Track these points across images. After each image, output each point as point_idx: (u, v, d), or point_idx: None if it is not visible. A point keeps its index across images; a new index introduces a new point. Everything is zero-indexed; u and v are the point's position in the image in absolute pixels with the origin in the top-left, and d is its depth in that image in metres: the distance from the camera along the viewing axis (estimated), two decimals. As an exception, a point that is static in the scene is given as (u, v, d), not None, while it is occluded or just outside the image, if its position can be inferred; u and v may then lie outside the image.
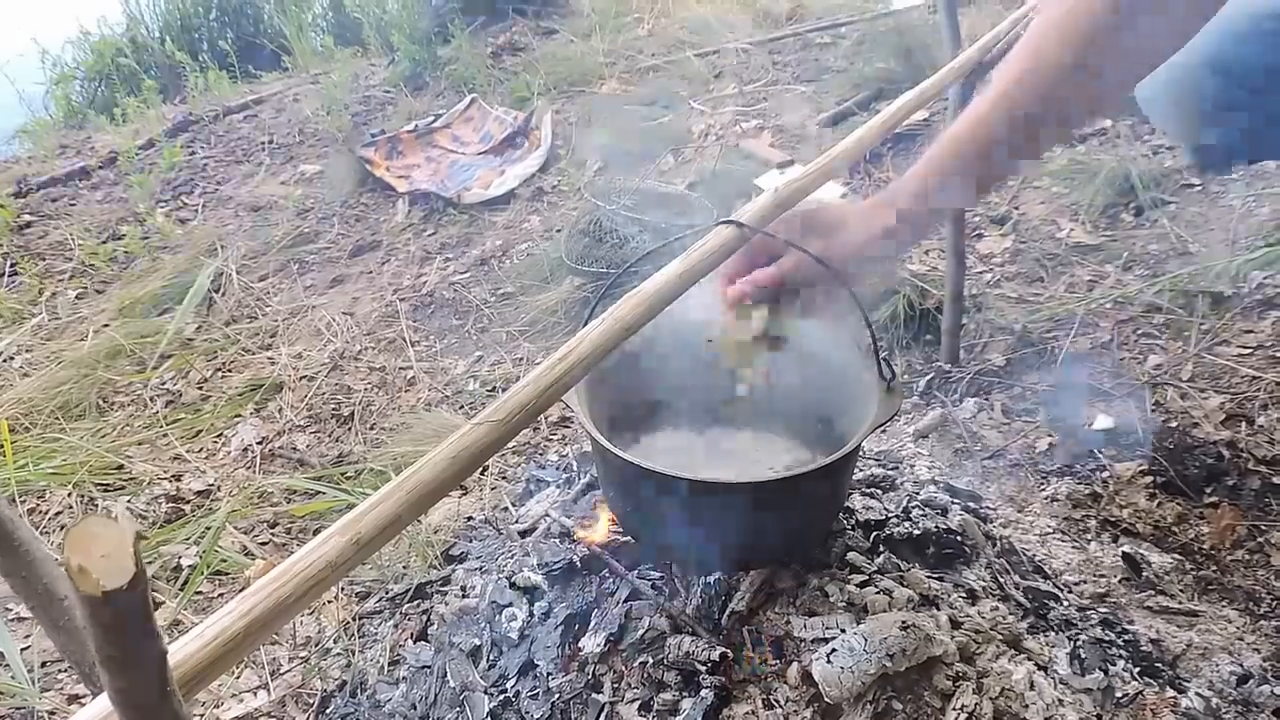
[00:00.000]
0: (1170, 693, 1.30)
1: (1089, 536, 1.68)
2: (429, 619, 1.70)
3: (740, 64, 4.42)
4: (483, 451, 0.87)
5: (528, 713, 1.34)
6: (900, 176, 1.22)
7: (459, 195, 3.78)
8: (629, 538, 1.48)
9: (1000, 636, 1.32)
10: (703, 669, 1.27)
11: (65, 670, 1.86)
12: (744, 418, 1.62)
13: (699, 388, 1.60)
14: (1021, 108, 1.11)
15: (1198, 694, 1.31)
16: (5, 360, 3.15)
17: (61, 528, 2.27)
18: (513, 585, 1.55)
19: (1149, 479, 1.76)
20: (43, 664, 1.86)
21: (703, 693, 1.25)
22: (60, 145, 5.44)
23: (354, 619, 1.82)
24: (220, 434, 2.65)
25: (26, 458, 2.51)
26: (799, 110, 3.80)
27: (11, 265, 3.89)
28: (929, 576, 1.41)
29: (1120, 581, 1.57)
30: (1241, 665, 1.39)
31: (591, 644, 1.37)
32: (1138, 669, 1.33)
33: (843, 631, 1.26)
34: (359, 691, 1.63)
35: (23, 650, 1.88)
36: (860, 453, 1.58)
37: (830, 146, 1.37)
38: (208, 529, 2.18)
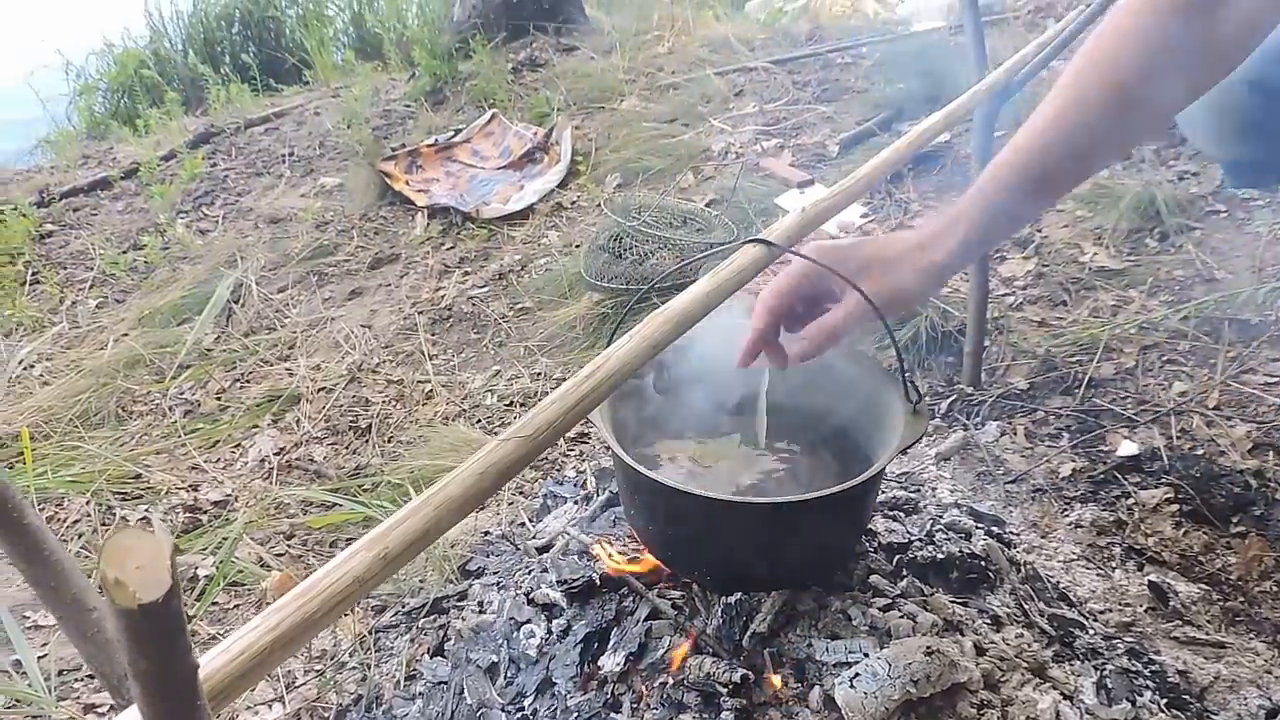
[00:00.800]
0: (1198, 725, 1.28)
1: (1114, 564, 1.66)
2: (446, 634, 1.69)
3: (760, 83, 4.43)
4: (510, 468, 0.87)
5: (545, 732, 1.33)
6: (942, 211, 1.22)
7: (478, 209, 3.80)
8: (650, 556, 1.47)
9: (1025, 664, 1.31)
10: (723, 690, 1.25)
11: (81, 679, 1.85)
12: (768, 436, 1.61)
13: (722, 405, 1.59)
14: (1062, 141, 1.11)
15: (1226, 727, 1.29)
16: (26, 368, 3.17)
17: (79, 535, 2.27)
18: (531, 602, 1.54)
19: (1175, 507, 1.74)
20: (59, 672, 1.86)
21: (723, 715, 1.23)
22: (82, 155, 5.50)
23: (370, 632, 1.81)
24: (238, 444, 2.65)
25: (45, 465, 2.52)
26: (819, 130, 3.80)
27: (33, 274, 3.93)
28: (953, 601, 1.39)
29: (1146, 611, 1.55)
30: (1270, 699, 1.36)
31: (610, 663, 1.35)
32: (1165, 700, 1.31)
33: (866, 655, 1.25)
34: (374, 706, 1.62)
35: (39, 658, 1.88)
36: (884, 474, 1.57)
37: (850, 167, 1.37)
38: (224, 539, 2.18)
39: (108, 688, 0.73)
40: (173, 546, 0.49)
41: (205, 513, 2.36)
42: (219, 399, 2.90)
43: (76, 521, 2.34)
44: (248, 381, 2.98)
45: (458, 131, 4.57)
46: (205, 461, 2.58)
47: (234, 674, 0.65)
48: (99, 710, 1.77)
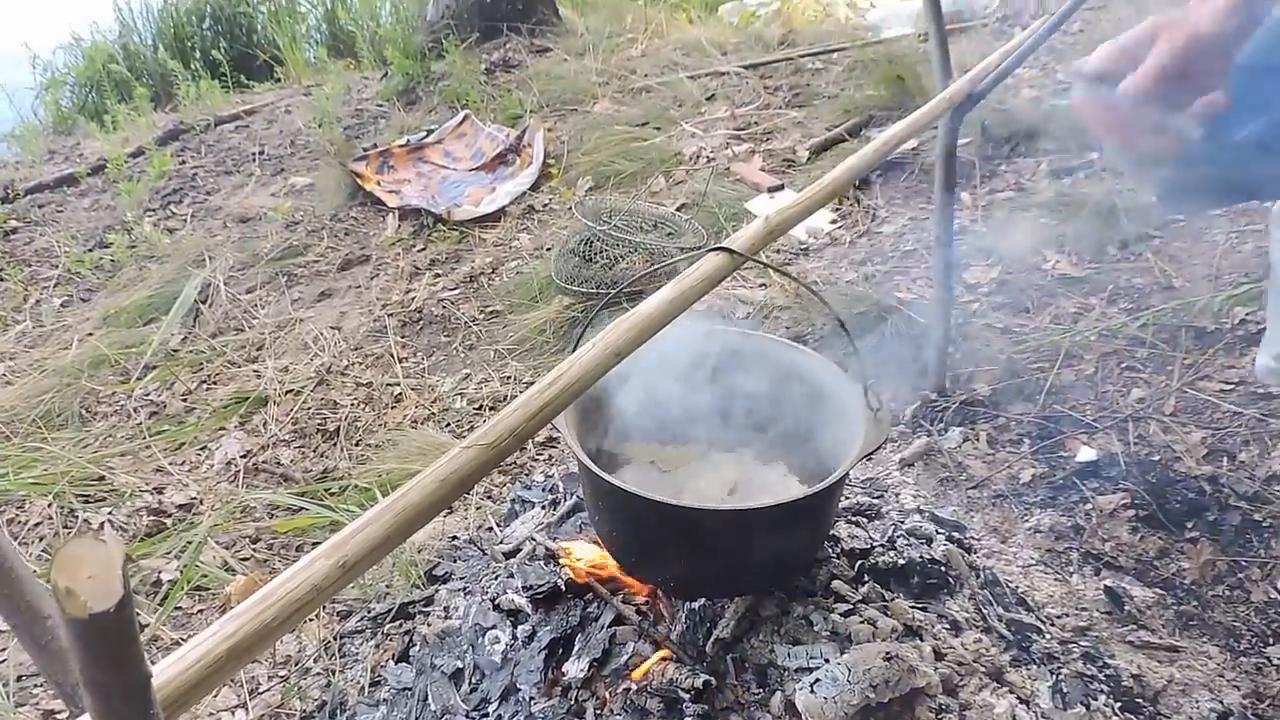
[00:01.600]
0: (1151, 728, 1.31)
1: (1071, 569, 1.69)
2: (411, 640, 1.69)
3: (732, 87, 4.45)
4: (471, 475, 0.87)
5: (508, 737, 1.33)
6: None
7: (449, 211, 3.79)
8: (615, 562, 1.48)
9: (983, 669, 1.33)
10: (686, 696, 1.26)
11: (40, 685, 1.83)
12: (732, 443, 1.62)
13: (688, 410, 1.60)
14: None
15: (1178, 729, 1.31)
16: (-13, 367, 3.13)
17: (40, 539, 2.24)
18: (496, 607, 1.54)
19: (1131, 512, 1.77)
20: (18, 678, 1.83)
21: (685, 720, 1.25)
22: (49, 151, 5.42)
23: (335, 638, 1.81)
24: (204, 447, 2.63)
25: (7, 467, 2.49)
26: (790, 135, 3.83)
27: (-4, 271, 3.87)
28: (913, 606, 1.41)
29: (1102, 615, 1.58)
30: (1222, 703, 1.39)
31: (575, 669, 1.36)
32: (1119, 704, 1.34)
33: (826, 661, 1.26)
34: (339, 713, 1.61)
35: (-3, 664, 1.86)
36: (846, 480, 1.59)
37: (819, 172, 1.38)
38: (189, 543, 2.16)
39: (61, 696, 0.72)
40: (124, 556, 0.49)
41: (170, 516, 2.33)
42: (185, 400, 2.87)
43: (38, 524, 2.31)
44: (214, 383, 2.95)
45: (430, 132, 4.56)
46: (170, 464, 2.55)
47: (190, 682, 0.65)
48: (58, 716, 1.76)
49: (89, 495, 2.43)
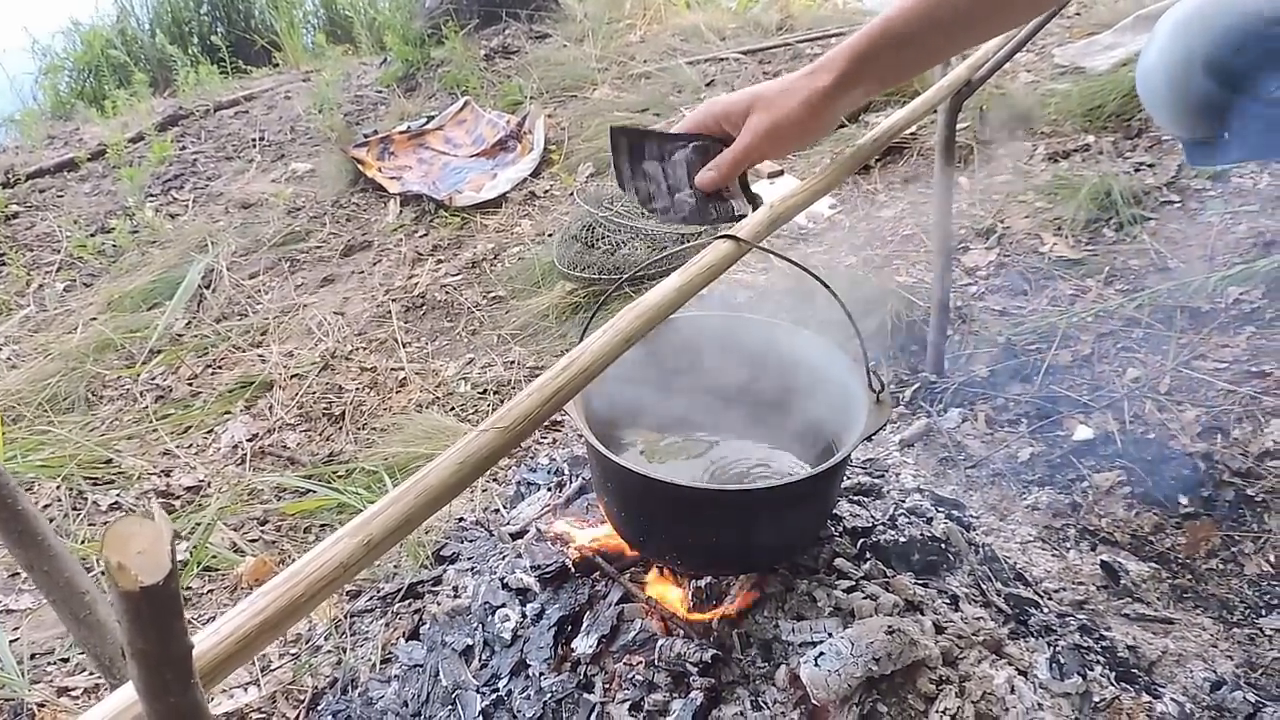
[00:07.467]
0: (1146, 698, 1.34)
1: (1068, 545, 1.73)
2: (421, 618, 1.72)
3: (731, 73, 4.46)
4: (488, 458, 0.90)
5: (520, 712, 1.37)
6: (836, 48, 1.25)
7: (451, 197, 3.80)
8: (623, 541, 1.51)
9: (982, 642, 1.36)
10: (693, 670, 1.30)
11: (55, 663, 1.87)
12: (735, 425, 1.65)
13: (693, 394, 1.63)
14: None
15: (1173, 699, 1.35)
16: (-7, 352, 3.15)
17: (51, 520, 2.27)
18: (505, 586, 1.57)
19: (1127, 489, 1.80)
20: (32, 656, 1.87)
21: (693, 694, 1.28)
22: (48, 136, 5.43)
23: (345, 617, 1.84)
24: (210, 430, 2.66)
25: (15, 450, 2.52)
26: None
27: (-1, 256, 3.89)
28: (914, 583, 1.44)
29: (1098, 589, 1.62)
30: (1215, 672, 1.43)
31: (583, 645, 1.39)
32: (1115, 675, 1.37)
33: (830, 635, 1.30)
34: (350, 689, 1.65)
35: (12, 642, 1.89)
36: (848, 461, 1.62)
37: (818, 158, 1.40)
38: (198, 525, 2.19)
39: (99, 667, 0.75)
40: (172, 532, 0.52)
41: (178, 498, 2.37)
42: (191, 385, 2.90)
43: (48, 506, 2.35)
44: (220, 367, 2.98)
45: (430, 118, 4.56)
46: (177, 447, 2.58)
47: (223, 655, 0.68)
48: (73, 693, 1.79)
49: (97, 478, 2.46)
